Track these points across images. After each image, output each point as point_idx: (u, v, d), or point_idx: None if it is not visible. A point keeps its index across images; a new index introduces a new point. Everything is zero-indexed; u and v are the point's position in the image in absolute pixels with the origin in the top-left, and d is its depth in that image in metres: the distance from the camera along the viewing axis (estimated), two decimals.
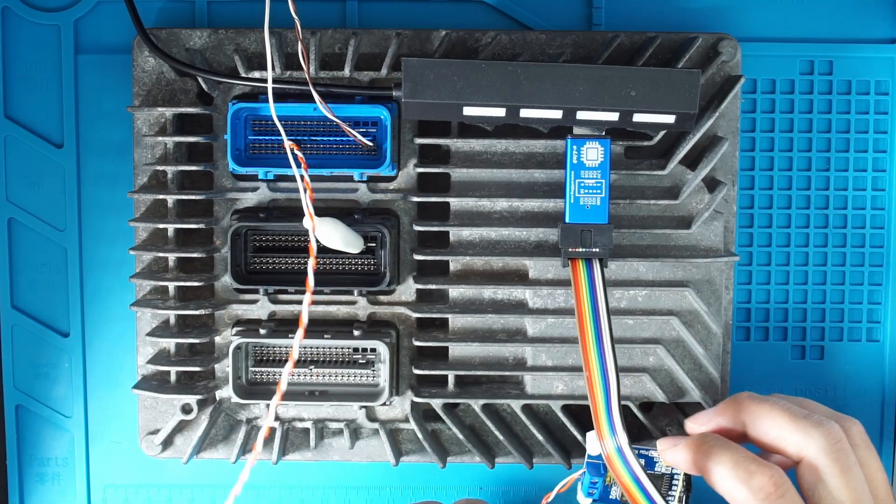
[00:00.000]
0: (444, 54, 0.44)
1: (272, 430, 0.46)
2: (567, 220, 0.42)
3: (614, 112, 0.39)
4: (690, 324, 0.45)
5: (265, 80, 0.41)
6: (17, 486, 0.49)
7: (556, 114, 0.39)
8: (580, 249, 0.41)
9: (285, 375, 0.38)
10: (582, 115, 0.40)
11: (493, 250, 0.45)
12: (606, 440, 0.39)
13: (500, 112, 0.40)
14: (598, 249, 0.41)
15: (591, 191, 0.42)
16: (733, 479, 0.38)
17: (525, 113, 0.40)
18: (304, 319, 0.38)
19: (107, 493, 0.49)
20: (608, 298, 0.41)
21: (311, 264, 0.39)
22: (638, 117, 0.39)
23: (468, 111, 0.40)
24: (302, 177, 0.40)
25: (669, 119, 0.40)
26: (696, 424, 0.42)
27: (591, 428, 0.46)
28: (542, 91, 0.39)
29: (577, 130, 0.42)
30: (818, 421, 0.39)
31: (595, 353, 0.40)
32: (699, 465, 0.40)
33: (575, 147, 0.41)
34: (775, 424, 0.39)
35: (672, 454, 0.41)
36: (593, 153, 0.41)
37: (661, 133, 0.44)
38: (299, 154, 0.41)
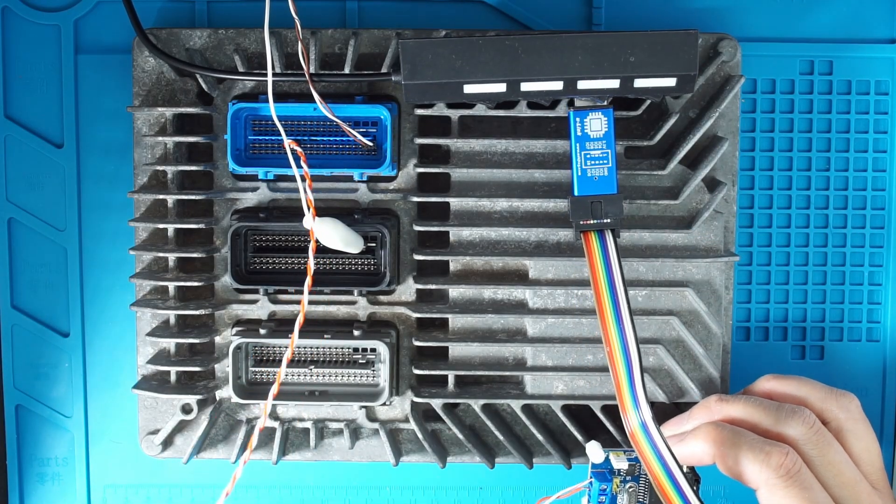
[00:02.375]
0: None
1: (272, 430, 0.46)
2: (576, 193, 0.41)
3: (615, 79, 0.39)
4: (690, 324, 0.45)
5: (265, 76, 0.41)
6: (17, 486, 0.49)
7: (557, 85, 0.39)
8: (591, 221, 0.41)
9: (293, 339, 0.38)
10: (583, 84, 0.39)
11: (493, 250, 0.45)
12: (630, 414, 0.39)
13: (500, 88, 0.39)
14: (609, 220, 0.41)
15: (597, 162, 0.41)
16: (752, 461, 0.38)
17: (526, 87, 0.39)
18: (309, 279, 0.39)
19: (107, 493, 0.49)
20: (623, 269, 0.40)
21: (310, 248, 0.40)
22: (639, 83, 0.39)
23: (469, 89, 0.39)
24: (301, 171, 0.40)
25: (670, 82, 0.39)
26: (669, 431, 0.42)
27: (591, 428, 0.46)
28: (541, 63, 0.39)
29: (578, 102, 0.41)
30: (790, 411, 0.40)
31: (614, 326, 0.39)
32: (713, 454, 0.40)
33: (578, 119, 0.41)
34: (747, 426, 0.40)
35: (680, 449, 0.41)
36: (597, 123, 0.41)
37: (662, 133, 0.44)
38: (298, 149, 0.41)
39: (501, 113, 0.44)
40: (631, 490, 0.41)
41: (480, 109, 0.44)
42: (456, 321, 0.45)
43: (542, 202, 0.45)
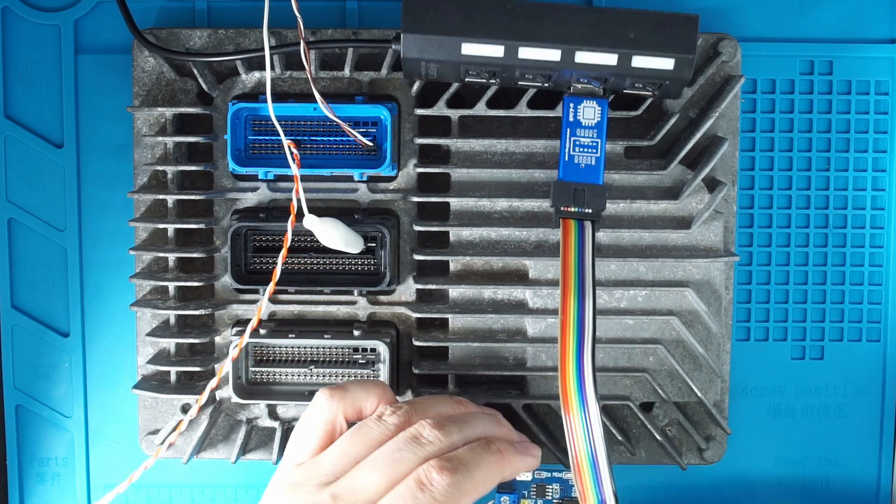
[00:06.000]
0: None
1: (272, 430, 0.46)
2: (560, 178, 0.41)
3: (613, 53, 0.39)
4: (690, 324, 0.45)
5: (262, 60, 0.41)
6: (17, 486, 0.49)
7: (555, 55, 0.39)
8: (573, 209, 0.41)
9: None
10: (581, 56, 0.39)
11: (493, 250, 0.45)
12: (571, 396, 0.38)
13: (498, 51, 0.39)
14: (591, 210, 0.41)
15: (586, 150, 0.41)
16: None
17: (524, 53, 0.39)
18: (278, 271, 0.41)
19: (107, 493, 0.49)
20: (595, 264, 0.40)
21: (281, 255, 0.41)
22: (637, 61, 0.39)
23: (466, 49, 0.39)
24: (295, 175, 0.40)
25: (668, 64, 0.39)
26: None
27: None
28: (542, 29, 0.39)
29: (575, 88, 0.41)
30: None
31: (575, 301, 0.39)
32: None
33: (572, 105, 0.41)
34: None
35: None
36: (590, 112, 0.41)
37: (662, 133, 0.44)
38: (295, 152, 0.41)
39: (501, 113, 0.44)
40: None
41: (481, 109, 0.44)
42: (456, 321, 0.45)
43: (542, 202, 0.45)
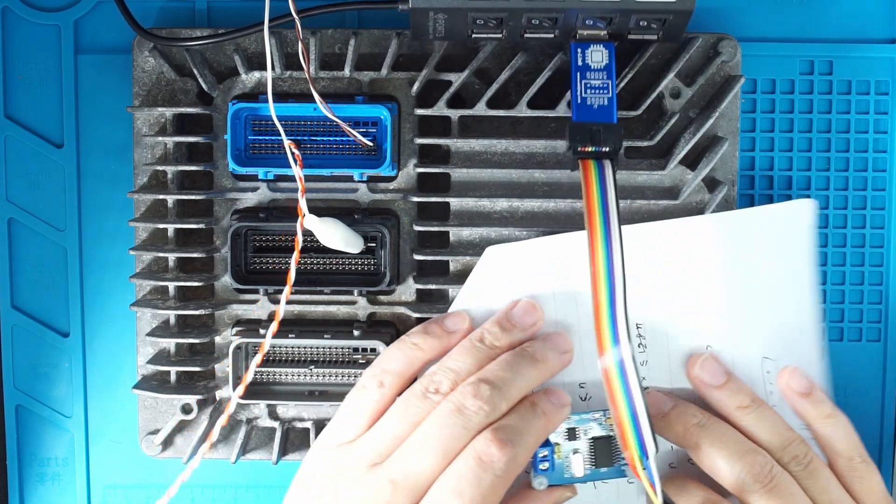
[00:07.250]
0: (445, 55, 0.44)
1: (272, 430, 0.46)
2: (574, 119, 0.41)
3: None
4: None
5: (263, 63, 0.41)
6: (17, 486, 0.49)
7: None
8: (590, 149, 0.40)
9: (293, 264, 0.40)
10: None
11: None
12: (607, 349, 0.37)
13: None
14: (608, 148, 0.40)
15: (597, 91, 0.41)
16: (731, 463, 0.38)
17: None
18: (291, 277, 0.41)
19: (107, 493, 0.49)
20: (619, 203, 0.39)
21: (294, 258, 0.40)
22: None
23: None
24: (299, 176, 0.40)
25: None
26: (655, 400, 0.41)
27: None
28: None
29: (581, 34, 0.41)
30: (744, 451, 0.39)
31: (603, 251, 0.38)
32: (691, 442, 0.39)
33: (580, 50, 0.41)
34: (708, 454, 0.39)
35: (657, 422, 0.40)
36: (598, 55, 0.41)
37: (662, 133, 0.44)
38: (296, 152, 0.41)
39: (501, 113, 0.44)
40: (577, 454, 0.40)
41: (481, 109, 0.44)
42: None
43: (542, 202, 0.45)
